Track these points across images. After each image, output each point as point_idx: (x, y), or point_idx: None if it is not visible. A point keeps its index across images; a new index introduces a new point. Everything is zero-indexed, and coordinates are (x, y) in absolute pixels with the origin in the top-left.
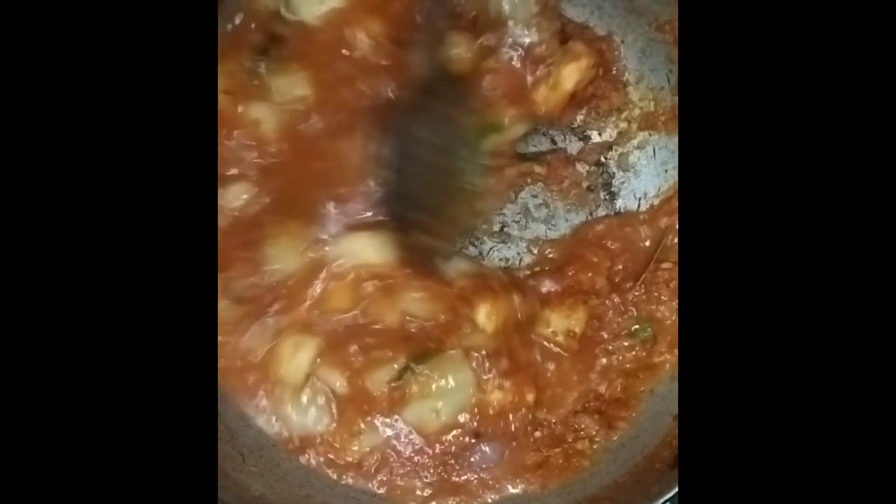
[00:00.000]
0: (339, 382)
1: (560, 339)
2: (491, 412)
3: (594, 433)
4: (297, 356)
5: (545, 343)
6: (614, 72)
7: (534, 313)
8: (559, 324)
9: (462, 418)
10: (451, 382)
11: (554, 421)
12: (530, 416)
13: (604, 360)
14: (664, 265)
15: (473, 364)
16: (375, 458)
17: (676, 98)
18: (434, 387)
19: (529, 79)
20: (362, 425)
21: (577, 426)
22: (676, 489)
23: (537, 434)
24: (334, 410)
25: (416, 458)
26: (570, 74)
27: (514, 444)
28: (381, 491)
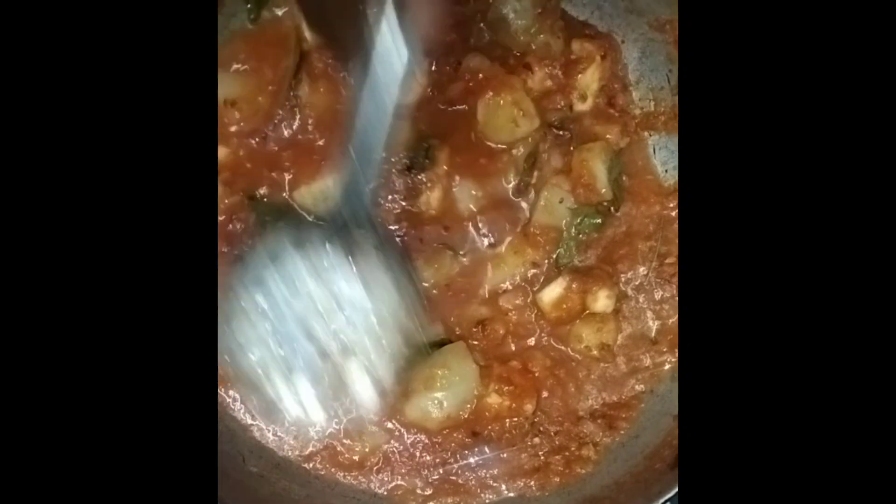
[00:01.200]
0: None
1: (595, 353)
2: (487, 415)
3: (598, 439)
4: None
5: (579, 358)
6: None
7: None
8: (592, 338)
9: (463, 413)
10: (455, 374)
11: (556, 431)
12: (527, 426)
13: (612, 372)
14: (668, 260)
15: (477, 356)
16: (377, 457)
17: (676, 98)
18: (438, 380)
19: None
20: (365, 425)
21: (581, 433)
22: (676, 489)
23: (536, 440)
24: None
25: (416, 456)
26: (592, 76)
27: (512, 448)
28: (382, 490)
